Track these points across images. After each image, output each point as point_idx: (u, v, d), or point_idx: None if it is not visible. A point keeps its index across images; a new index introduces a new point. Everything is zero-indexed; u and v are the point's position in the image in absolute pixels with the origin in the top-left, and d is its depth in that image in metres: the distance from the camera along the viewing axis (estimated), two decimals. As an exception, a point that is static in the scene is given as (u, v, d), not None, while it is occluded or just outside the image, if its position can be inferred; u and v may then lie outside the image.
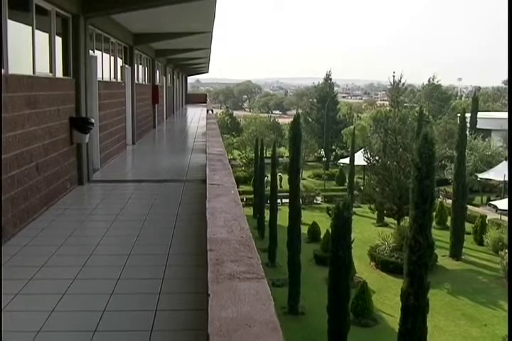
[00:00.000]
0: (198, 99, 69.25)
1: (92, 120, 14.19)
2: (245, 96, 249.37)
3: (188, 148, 24.20)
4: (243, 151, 78.73)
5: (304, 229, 42.22)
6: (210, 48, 35.92)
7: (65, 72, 13.42)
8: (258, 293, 3.34)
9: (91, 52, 16.10)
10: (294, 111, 62.79)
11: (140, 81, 28.76)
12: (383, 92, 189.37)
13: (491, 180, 62.13)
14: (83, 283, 7.22)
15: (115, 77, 21.44)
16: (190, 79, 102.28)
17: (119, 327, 5.88)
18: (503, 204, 49.50)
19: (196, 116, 44.31)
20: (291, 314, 31.48)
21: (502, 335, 27.97)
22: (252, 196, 53.97)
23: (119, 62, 22.70)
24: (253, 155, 59.63)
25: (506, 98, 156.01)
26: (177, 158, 20.47)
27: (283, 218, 36.37)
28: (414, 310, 20.19)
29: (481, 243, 45.73)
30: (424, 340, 20.76)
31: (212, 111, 40.70)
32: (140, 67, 28.90)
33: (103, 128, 17.88)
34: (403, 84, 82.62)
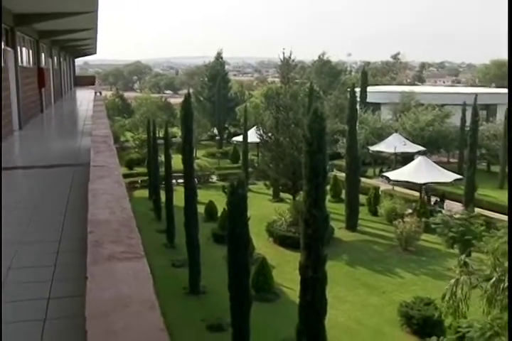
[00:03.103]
0: (87, 81, 67.62)
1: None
2: (135, 77, 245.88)
3: (78, 132, 23.69)
4: (136, 133, 77.88)
5: (201, 209, 42.28)
6: (96, 28, 35.15)
7: None
8: (137, 272, 3.30)
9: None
10: (185, 91, 62.54)
11: (24, 64, 27.87)
12: (274, 69, 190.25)
13: (382, 152, 63.62)
14: (-31, 276, 6.94)
15: (-4, 60, 20.68)
16: (79, 61, 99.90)
17: (11, 319, 5.67)
18: (394, 175, 50.84)
19: (86, 99, 43.34)
20: (193, 294, 31.57)
21: (399, 301, 28.84)
22: (147, 177, 53.56)
23: (0, 44, 21.89)
24: (146, 136, 59.05)
25: (395, 72, 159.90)
26: (67, 142, 20.00)
27: (179, 198, 36.20)
28: (313, 282, 20.49)
29: (375, 213, 46.99)
30: (324, 311, 21.05)
31: (100, 93, 39.95)
32: (23, 49, 27.99)
33: (-14, 114, 17.25)
34: (293, 60, 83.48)
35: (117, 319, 2.73)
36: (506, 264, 10.36)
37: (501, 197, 51.14)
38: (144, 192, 53.41)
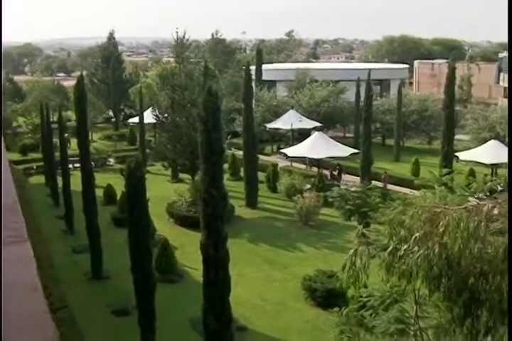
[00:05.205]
0: (-27, 65, 65.36)
1: None
2: (26, 60, 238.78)
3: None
4: (28, 118, 75.99)
5: (100, 192, 41.73)
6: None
7: None
8: (21, 256, 3.21)
9: None
10: (78, 73, 61.11)
11: None
12: (168, 49, 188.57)
13: (279, 129, 64.26)
14: None
15: None
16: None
17: None
18: (292, 151, 51.49)
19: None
20: (95, 279, 31.27)
21: (302, 275, 29.32)
22: (43, 163, 52.35)
23: None
24: (39, 121, 57.66)
25: (290, 49, 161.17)
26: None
27: (77, 183, 35.50)
28: (215, 260, 20.52)
29: (274, 190, 47.55)
30: (228, 289, 21.14)
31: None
32: None
33: None
34: (187, 39, 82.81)
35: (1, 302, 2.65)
36: (402, 233, 10.63)
37: (396, 169, 52.63)
38: (40, 179, 52.15)
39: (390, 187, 45.95)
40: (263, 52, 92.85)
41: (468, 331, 10.48)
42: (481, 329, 10.30)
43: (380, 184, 45.39)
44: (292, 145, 56.47)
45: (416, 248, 9.98)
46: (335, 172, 50.85)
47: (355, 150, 50.53)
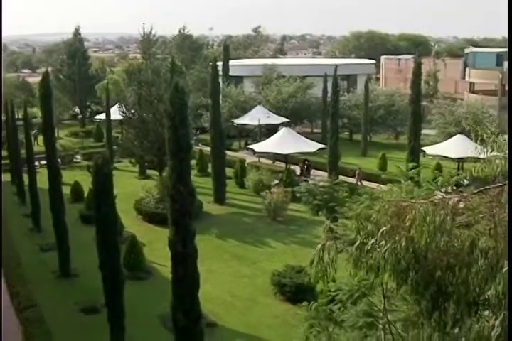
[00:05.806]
0: None
1: None
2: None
3: None
4: (-8, 115, 75.10)
5: (67, 190, 41.39)
6: None
7: None
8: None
9: None
10: (44, 69, 60.23)
11: None
12: (135, 45, 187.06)
13: (246, 124, 64.27)
14: None
15: None
16: None
17: None
18: (259, 147, 51.53)
19: None
20: (63, 277, 31.11)
21: (271, 270, 29.34)
22: (8, 161, 51.73)
23: None
24: (4, 118, 56.96)
25: (257, 45, 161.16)
26: None
27: (43, 180, 35.14)
28: (183, 257, 20.47)
29: (242, 186, 47.54)
30: (197, 285, 21.11)
31: None
32: None
33: None
34: (154, 35, 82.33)
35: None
36: (369, 227, 10.63)
37: (363, 164, 52.85)
38: (6, 176, 51.55)
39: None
40: (230, 48, 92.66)
41: (436, 323, 10.53)
42: (448, 321, 10.35)
43: (348, 179, 45.49)
44: (260, 141, 56.54)
45: (383, 242, 9.97)
46: (302, 168, 50.98)
47: (323, 146, 50.75)
